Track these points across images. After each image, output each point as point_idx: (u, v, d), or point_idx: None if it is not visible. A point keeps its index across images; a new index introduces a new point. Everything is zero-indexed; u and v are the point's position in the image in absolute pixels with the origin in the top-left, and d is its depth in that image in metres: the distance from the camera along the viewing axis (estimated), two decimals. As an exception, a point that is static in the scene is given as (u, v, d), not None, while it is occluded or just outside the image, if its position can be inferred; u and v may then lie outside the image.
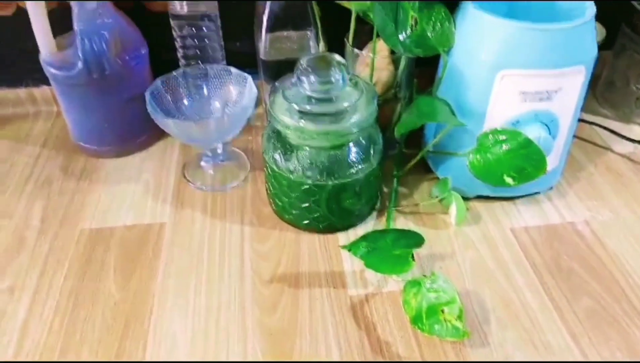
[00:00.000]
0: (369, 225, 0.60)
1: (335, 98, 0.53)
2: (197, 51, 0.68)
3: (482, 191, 0.61)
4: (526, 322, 0.50)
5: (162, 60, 0.70)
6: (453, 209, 0.59)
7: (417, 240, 0.50)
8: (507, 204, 0.62)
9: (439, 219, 0.60)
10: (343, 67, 0.53)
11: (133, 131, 0.69)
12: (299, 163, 0.54)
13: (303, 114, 0.52)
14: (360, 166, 0.54)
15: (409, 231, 0.51)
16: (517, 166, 0.53)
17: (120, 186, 0.65)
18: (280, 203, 0.58)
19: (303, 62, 0.53)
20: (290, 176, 0.54)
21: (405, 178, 0.64)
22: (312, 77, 0.52)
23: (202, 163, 0.66)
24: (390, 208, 0.60)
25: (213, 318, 0.50)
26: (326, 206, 0.55)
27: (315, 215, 0.56)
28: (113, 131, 0.67)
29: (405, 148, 0.66)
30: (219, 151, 0.65)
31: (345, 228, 0.59)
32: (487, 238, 0.58)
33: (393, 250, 0.49)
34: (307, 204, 0.56)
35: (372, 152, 0.55)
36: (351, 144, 0.54)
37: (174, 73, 0.63)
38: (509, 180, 0.53)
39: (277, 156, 0.55)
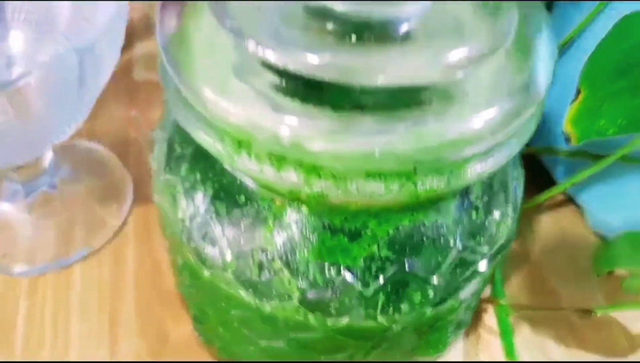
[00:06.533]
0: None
1: (408, 35, 0.14)
2: None
3: None
4: None
5: None
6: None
7: None
8: None
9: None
10: None
11: None
12: (275, 259, 0.15)
13: (295, 92, 0.13)
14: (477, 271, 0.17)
15: None
16: None
17: None
18: (213, 335, 0.20)
19: None
20: (241, 291, 0.16)
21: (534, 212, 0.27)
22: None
23: (3, 206, 0.26)
24: (500, 307, 0.23)
25: None
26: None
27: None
28: None
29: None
30: (45, 163, 0.25)
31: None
32: None
33: None
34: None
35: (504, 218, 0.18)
36: (456, 204, 0.16)
37: None
38: None
39: (198, 215, 0.16)
